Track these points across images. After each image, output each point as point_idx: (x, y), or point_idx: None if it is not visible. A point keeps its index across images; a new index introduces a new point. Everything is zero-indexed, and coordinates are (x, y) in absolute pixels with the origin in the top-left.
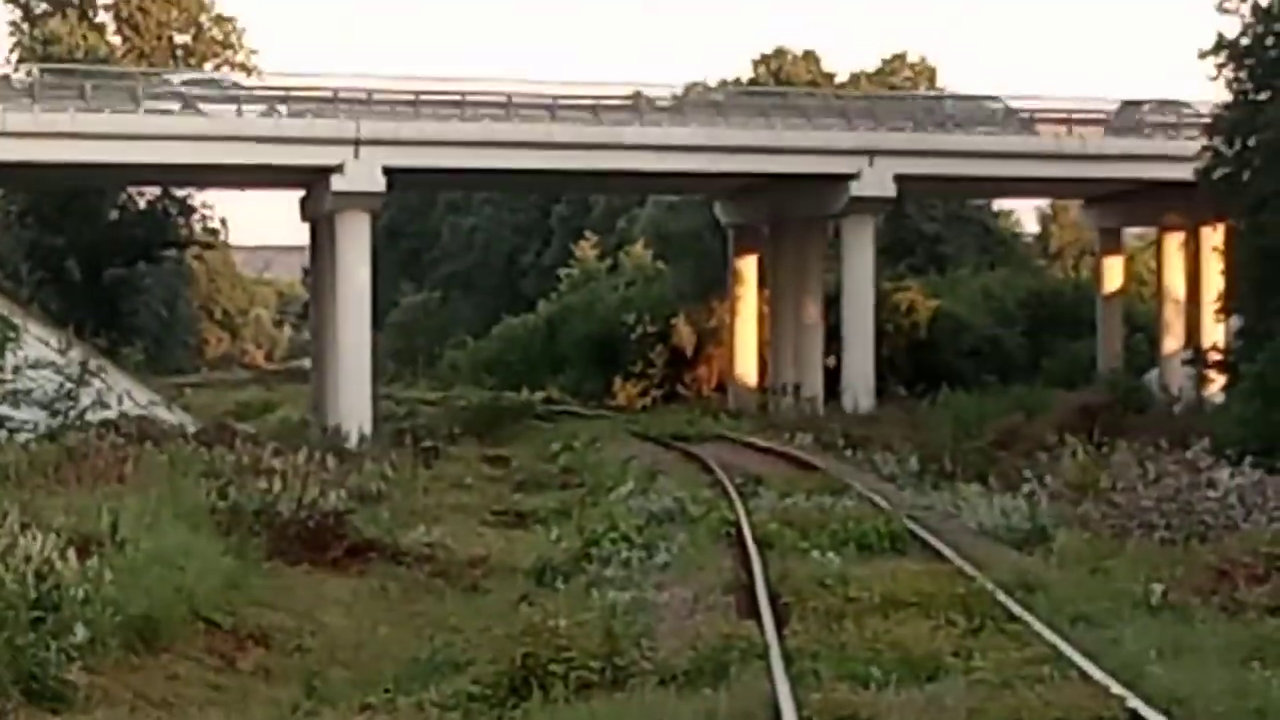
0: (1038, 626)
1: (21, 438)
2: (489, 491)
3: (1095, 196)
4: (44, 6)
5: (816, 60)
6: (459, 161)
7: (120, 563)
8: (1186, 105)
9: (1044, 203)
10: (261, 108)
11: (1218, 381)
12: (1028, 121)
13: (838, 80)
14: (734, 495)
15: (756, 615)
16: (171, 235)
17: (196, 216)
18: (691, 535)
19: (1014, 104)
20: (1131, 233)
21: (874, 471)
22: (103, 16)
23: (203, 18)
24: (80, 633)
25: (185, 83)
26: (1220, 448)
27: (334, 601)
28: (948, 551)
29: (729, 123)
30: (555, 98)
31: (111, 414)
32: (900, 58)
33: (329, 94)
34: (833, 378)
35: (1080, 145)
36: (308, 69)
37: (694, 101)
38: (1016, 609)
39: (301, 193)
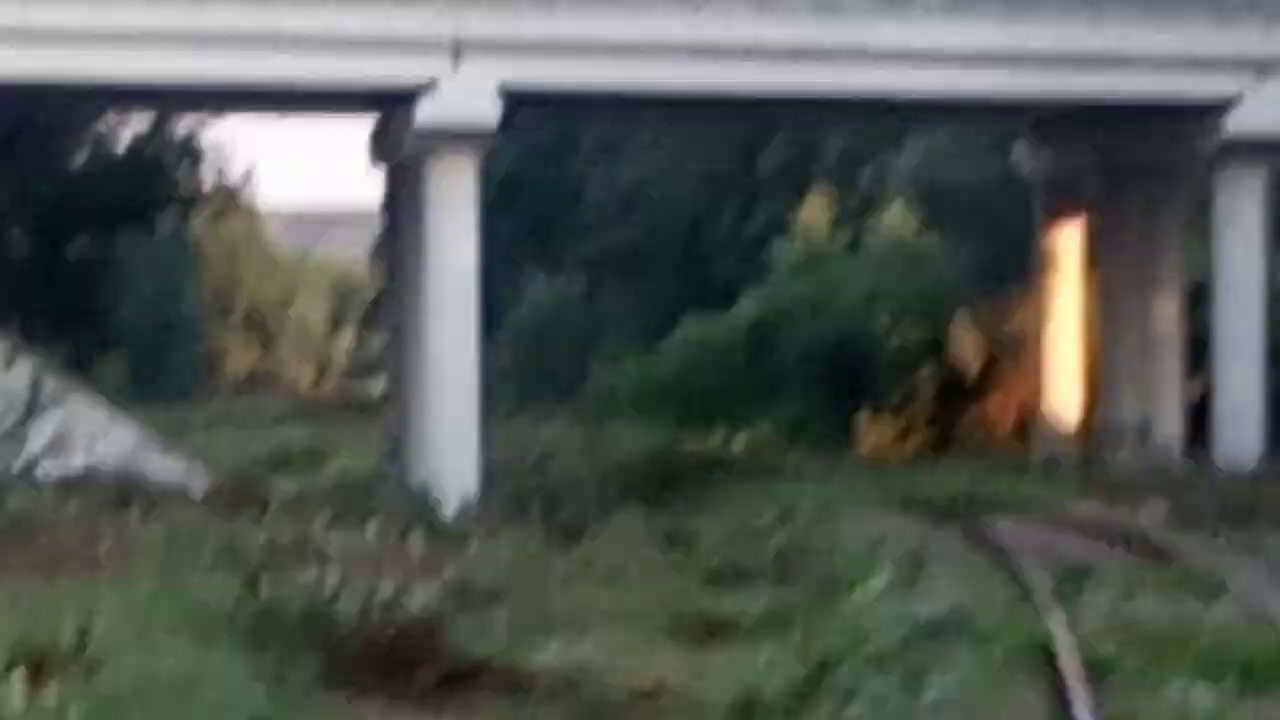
0: None
1: None
2: (663, 587)
3: None
4: None
5: None
6: (612, 78)
7: (92, 692)
8: None
9: None
10: None
11: None
12: None
13: None
14: (1045, 597)
15: None
16: (168, 191)
17: (206, 164)
18: (980, 658)
19: None
20: None
21: (1264, 561)
22: None
23: None
24: None
25: None
26: None
27: None
28: None
29: (1035, 20)
30: None
31: (78, 463)
32: None
33: None
34: (1199, 413)
35: None
36: None
37: None
38: None
39: (371, 125)
